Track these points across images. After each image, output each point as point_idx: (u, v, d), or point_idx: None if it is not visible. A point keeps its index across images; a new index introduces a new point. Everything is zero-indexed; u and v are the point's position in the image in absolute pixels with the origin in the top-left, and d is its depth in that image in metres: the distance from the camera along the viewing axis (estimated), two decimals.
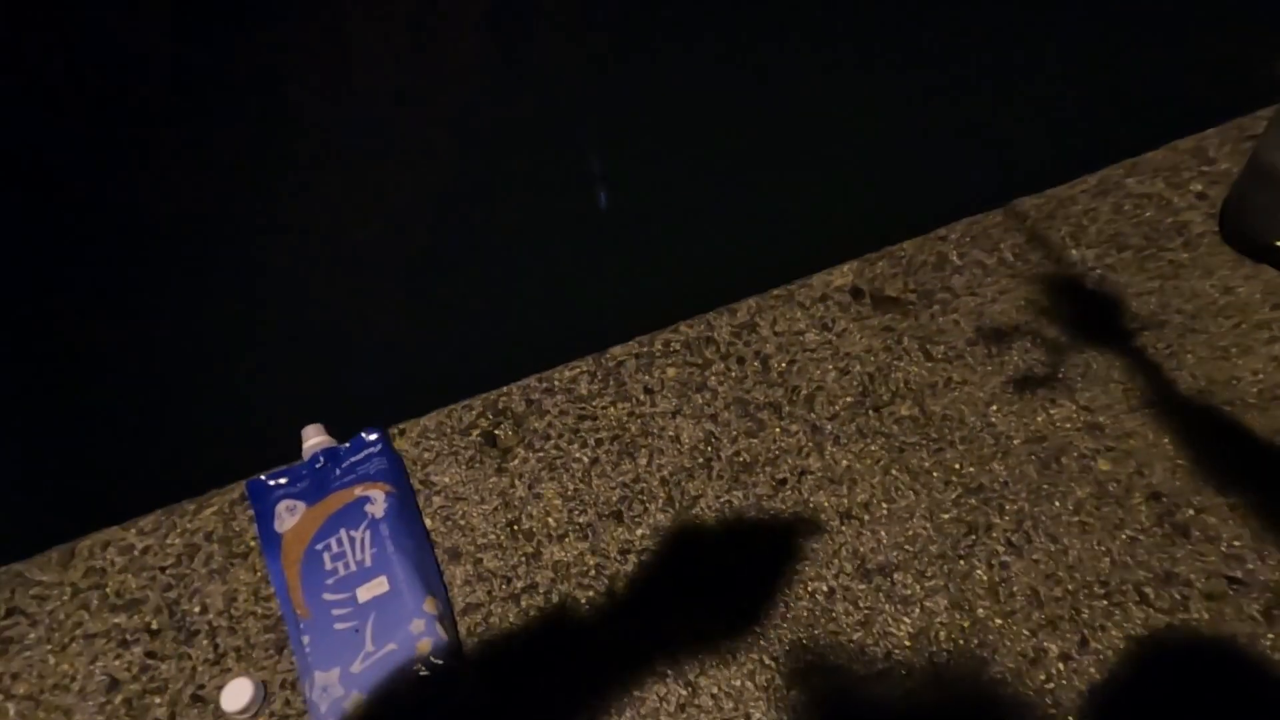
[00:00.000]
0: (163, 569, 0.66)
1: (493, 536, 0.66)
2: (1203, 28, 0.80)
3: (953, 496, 0.64)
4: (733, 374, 0.75)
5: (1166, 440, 0.65)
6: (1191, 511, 0.61)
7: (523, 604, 0.62)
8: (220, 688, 0.57)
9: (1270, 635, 0.55)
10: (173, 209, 0.55)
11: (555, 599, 0.62)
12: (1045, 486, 0.64)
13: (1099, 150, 0.90)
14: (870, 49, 0.90)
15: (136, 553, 0.68)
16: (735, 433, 0.70)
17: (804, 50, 0.94)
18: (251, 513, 0.68)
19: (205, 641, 0.61)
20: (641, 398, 0.74)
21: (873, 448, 0.68)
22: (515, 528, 0.66)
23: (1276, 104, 0.75)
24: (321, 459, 0.68)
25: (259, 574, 0.65)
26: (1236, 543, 0.59)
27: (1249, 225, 0.76)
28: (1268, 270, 0.75)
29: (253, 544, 0.67)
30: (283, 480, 0.68)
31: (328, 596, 0.59)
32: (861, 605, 0.59)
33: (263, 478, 0.69)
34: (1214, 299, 0.74)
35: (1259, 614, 0.56)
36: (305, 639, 0.58)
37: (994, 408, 0.70)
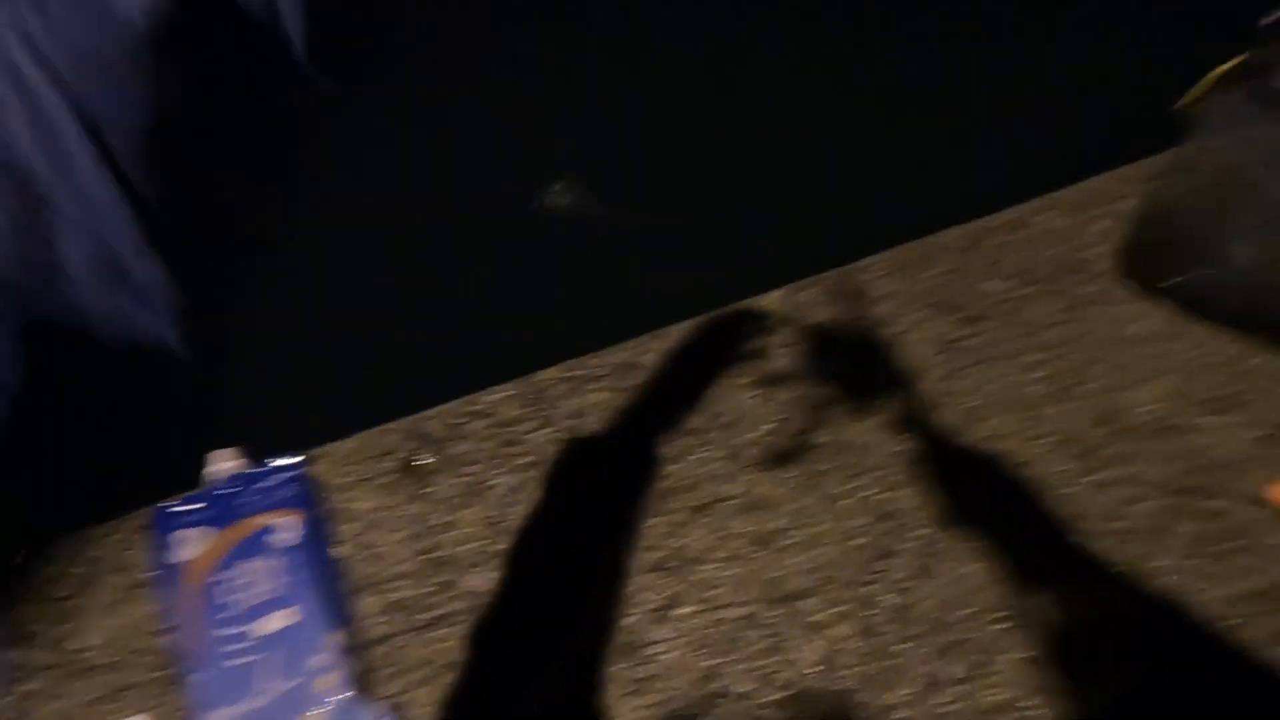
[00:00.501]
0: (59, 599, 0.64)
1: (407, 565, 0.65)
2: (1113, 71, 0.85)
3: (862, 523, 0.66)
4: (659, 399, 0.76)
5: (1064, 469, 0.68)
6: (1083, 538, 0.64)
7: (435, 634, 0.61)
8: None
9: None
10: None
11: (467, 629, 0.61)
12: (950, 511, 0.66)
13: (1016, 186, 0.94)
14: (800, 78, 0.93)
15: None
16: (658, 458, 0.71)
17: (729, 78, 0.96)
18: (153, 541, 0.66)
19: (100, 678, 0.59)
20: (568, 421, 0.74)
21: (790, 474, 0.69)
22: (430, 556, 0.65)
23: (1171, 150, 0.80)
24: (232, 485, 0.66)
25: (155, 607, 0.63)
26: (1123, 567, 0.61)
27: (1146, 264, 0.80)
28: (1163, 305, 0.79)
29: (153, 574, 0.64)
30: (187, 507, 0.66)
31: (223, 631, 0.58)
32: (769, 632, 0.60)
33: (170, 504, 0.67)
34: (1114, 333, 0.78)
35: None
36: (197, 676, 0.56)
37: (905, 435, 0.72)
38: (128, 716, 0.56)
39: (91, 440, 0.66)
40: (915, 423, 0.70)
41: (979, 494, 0.65)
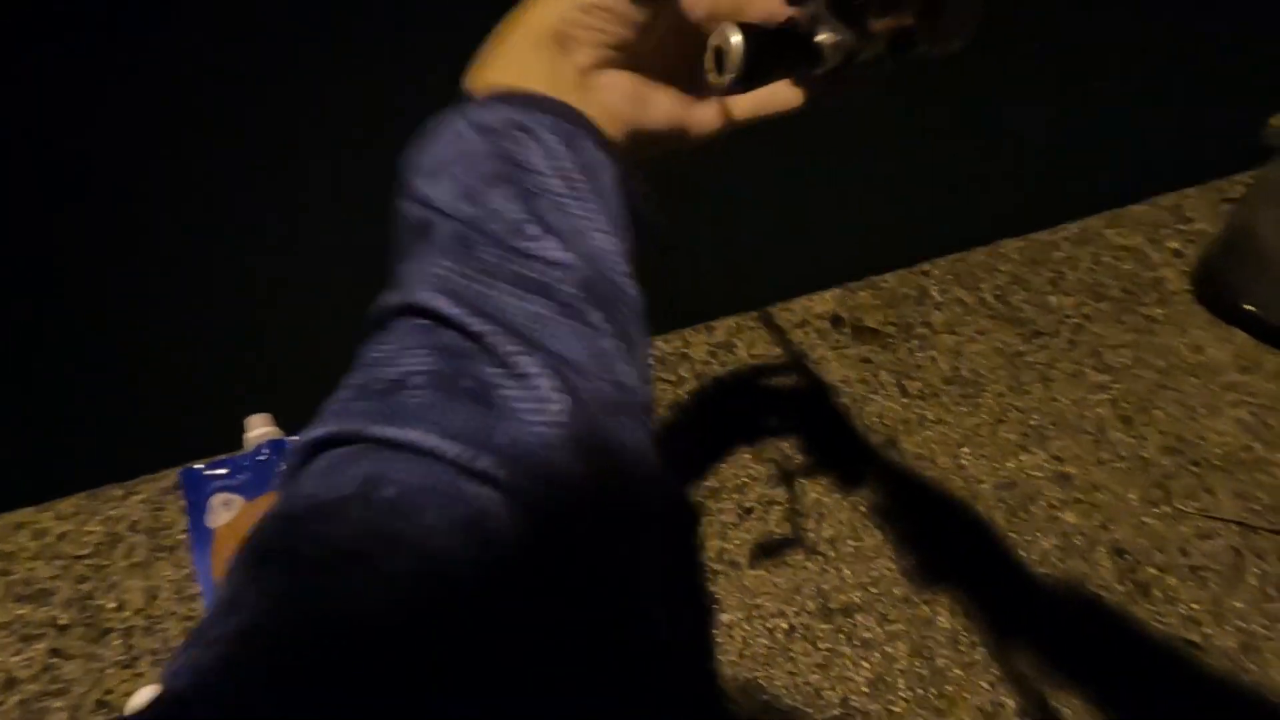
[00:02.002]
0: (79, 558, 0.61)
1: None
2: (1190, 91, 0.81)
3: (920, 538, 0.63)
4: (706, 393, 0.73)
5: (1133, 496, 0.65)
6: (1154, 570, 0.61)
7: None
8: (129, 694, 0.53)
9: (1223, 699, 0.55)
10: (114, 182, 0.51)
11: None
12: (1011, 535, 0.63)
13: (1082, 199, 0.90)
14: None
15: (51, 538, 0.63)
16: (704, 455, 0.68)
17: None
18: (183, 504, 0.63)
19: (118, 642, 0.57)
20: None
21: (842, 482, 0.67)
22: None
23: (1255, 171, 0.76)
24: (266, 451, 0.64)
25: (185, 571, 0.60)
26: (1195, 605, 0.59)
27: (1223, 288, 0.77)
28: (1238, 333, 0.76)
29: (181, 538, 0.62)
30: (221, 471, 0.64)
31: None
32: (821, 646, 0.57)
33: (199, 467, 0.65)
34: (1185, 358, 0.74)
35: (1215, 679, 0.56)
36: None
37: (965, 450, 0.69)
38: (145, 686, 0.53)
39: (115, 395, 0.64)
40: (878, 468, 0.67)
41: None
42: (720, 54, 0.28)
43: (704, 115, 0.35)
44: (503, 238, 0.25)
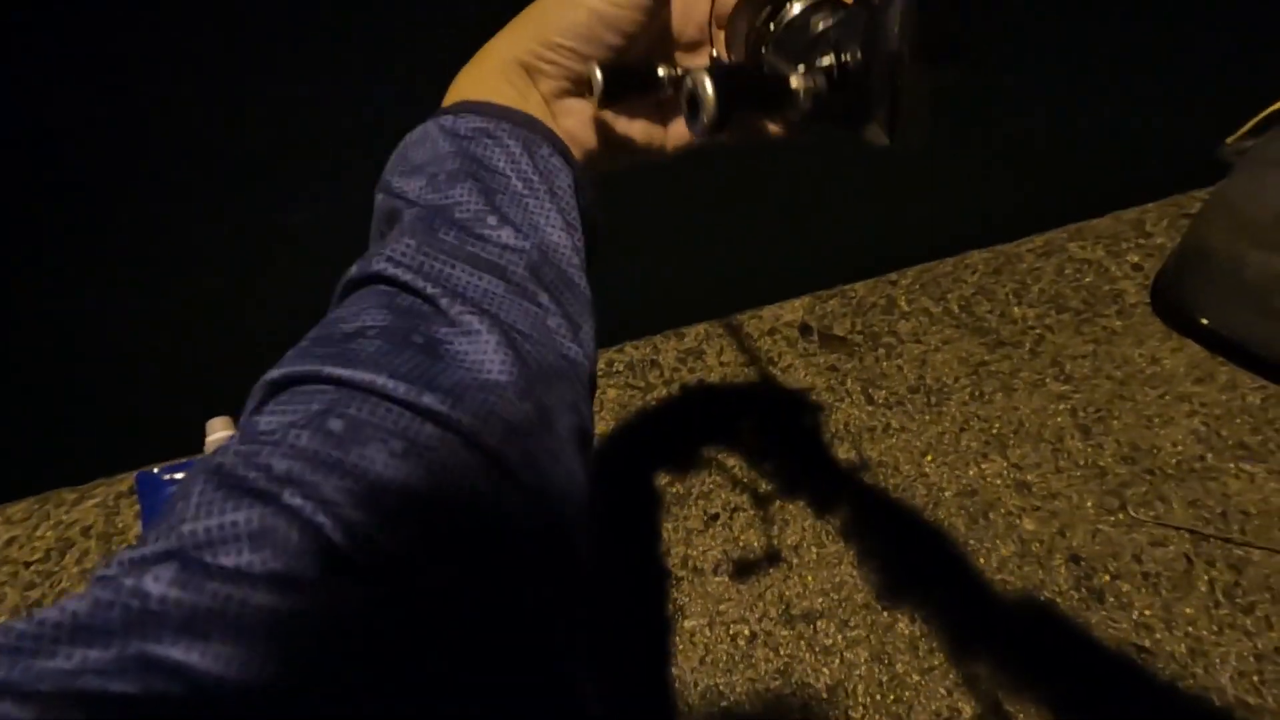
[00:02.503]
0: (28, 564, 0.60)
1: None
2: (1152, 110, 0.83)
3: (882, 545, 0.64)
4: (674, 400, 0.74)
5: (1089, 503, 0.66)
6: (1108, 577, 0.62)
7: None
8: None
9: (1171, 702, 0.56)
10: (72, 187, 0.50)
11: None
12: (971, 542, 0.64)
13: (1047, 212, 0.92)
14: None
15: None
16: (672, 461, 0.68)
17: None
18: (139, 508, 0.62)
19: None
20: None
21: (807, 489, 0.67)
22: None
23: (1213, 187, 0.78)
24: None
25: None
26: (1147, 611, 0.60)
27: (1178, 301, 0.79)
28: (1193, 345, 0.78)
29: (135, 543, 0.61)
30: (178, 475, 0.63)
31: None
32: (782, 652, 0.58)
33: (155, 470, 0.63)
34: (1143, 368, 0.76)
35: (1164, 683, 0.57)
36: None
37: (928, 457, 0.70)
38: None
39: (71, 395, 0.62)
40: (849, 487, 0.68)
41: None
42: (694, 101, 0.29)
43: (673, 132, 0.36)
44: (463, 224, 0.28)
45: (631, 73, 0.32)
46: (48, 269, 0.54)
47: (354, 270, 0.27)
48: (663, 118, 0.36)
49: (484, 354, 0.24)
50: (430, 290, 0.25)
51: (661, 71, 0.33)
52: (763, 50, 0.32)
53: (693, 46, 0.36)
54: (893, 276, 0.86)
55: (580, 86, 0.33)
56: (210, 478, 0.20)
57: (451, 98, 0.33)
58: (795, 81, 0.29)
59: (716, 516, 0.65)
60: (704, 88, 0.28)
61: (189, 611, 0.17)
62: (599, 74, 0.31)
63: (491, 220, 0.28)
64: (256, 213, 0.58)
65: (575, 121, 0.34)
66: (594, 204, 0.33)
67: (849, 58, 0.29)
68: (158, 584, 0.17)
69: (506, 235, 0.28)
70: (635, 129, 0.35)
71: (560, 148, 0.32)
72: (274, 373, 0.24)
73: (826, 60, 0.29)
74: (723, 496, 0.66)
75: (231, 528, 0.19)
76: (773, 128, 0.35)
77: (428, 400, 0.22)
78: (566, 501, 0.25)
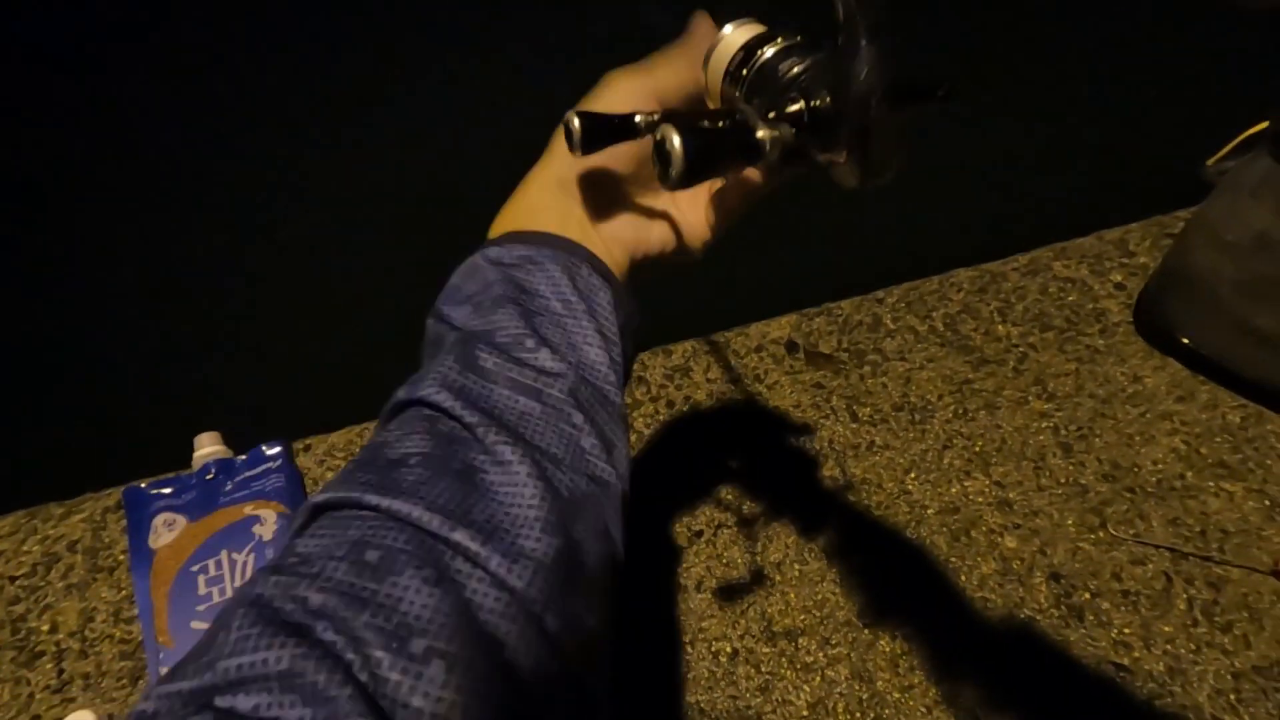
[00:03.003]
0: (13, 579, 0.60)
1: None
2: (1136, 130, 0.85)
3: (864, 563, 0.64)
4: (661, 416, 0.74)
5: (1070, 521, 0.67)
6: (1087, 595, 0.62)
7: None
8: None
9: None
10: (61, 198, 0.51)
11: None
12: (953, 560, 0.64)
13: (1032, 231, 0.93)
14: None
15: None
16: (657, 477, 0.69)
17: None
18: (125, 523, 0.62)
19: (49, 665, 0.56)
20: None
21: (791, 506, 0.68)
22: None
23: (1195, 208, 0.79)
24: (213, 470, 0.63)
25: (124, 592, 0.60)
26: (1126, 630, 0.60)
27: (1160, 320, 0.80)
28: (1174, 364, 0.78)
29: (122, 558, 0.61)
30: (165, 490, 0.63)
31: (196, 625, 0.55)
32: (763, 670, 0.58)
33: (143, 485, 0.64)
34: (1124, 387, 0.77)
35: (1142, 700, 0.57)
36: (164, 671, 0.53)
37: (912, 475, 0.70)
38: (75, 710, 0.52)
39: (59, 409, 0.63)
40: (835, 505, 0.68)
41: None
42: (664, 154, 0.30)
43: (695, 229, 0.40)
44: (504, 347, 0.29)
45: (608, 118, 0.33)
46: (36, 281, 0.55)
47: (402, 393, 0.29)
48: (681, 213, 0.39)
49: (515, 485, 0.25)
50: (469, 418, 0.27)
51: (638, 118, 0.33)
52: (736, 95, 0.33)
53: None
54: (879, 294, 0.86)
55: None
56: (249, 610, 0.21)
57: (497, 229, 0.35)
58: (762, 132, 0.30)
59: (700, 533, 0.66)
60: (671, 143, 0.29)
61: None
62: (576, 121, 0.32)
63: (530, 343, 0.29)
64: (248, 227, 0.58)
65: (614, 228, 0.36)
66: (633, 315, 0.35)
67: (819, 102, 0.30)
68: None
69: (544, 358, 0.29)
70: (669, 231, 0.38)
71: (599, 268, 0.34)
72: (319, 497, 0.25)
73: (796, 106, 0.30)
74: (706, 513, 0.67)
75: (262, 665, 0.19)
76: (749, 173, 0.37)
77: (459, 536, 0.23)
78: (587, 649, 0.25)
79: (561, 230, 0.34)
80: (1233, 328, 0.74)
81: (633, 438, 0.72)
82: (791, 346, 0.81)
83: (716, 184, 0.39)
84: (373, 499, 0.24)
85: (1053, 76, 0.77)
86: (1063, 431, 0.73)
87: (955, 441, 0.73)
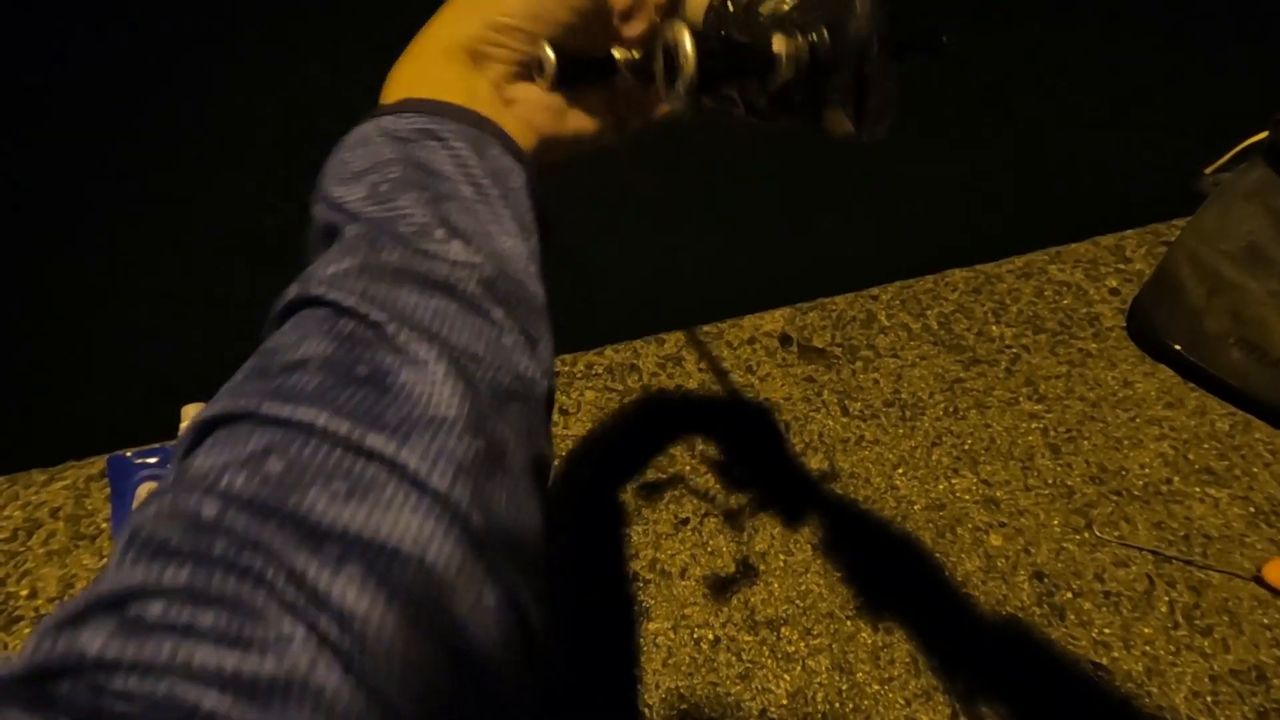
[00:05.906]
0: None
1: None
2: (1134, 138, 0.85)
3: (849, 556, 0.64)
4: (652, 404, 0.74)
5: (1055, 522, 0.67)
6: (1070, 594, 0.62)
7: None
8: None
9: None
10: (49, 167, 0.50)
11: None
12: (938, 555, 0.64)
13: (1029, 234, 0.94)
14: None
15: None
16: (645, 464, 0.69)
17: None
18: (108, 491, 0.62)
19: (28, 631, 0.55)
20: (555, 418, 0.72)
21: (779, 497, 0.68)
22: None
23: (1189, 218, 0.80)
24: None
25: (105, 560, 0.59)
26: (1107, 630, 0.60)
27: (1151, 326, 0.80)
28: (1164, 370, 0.79)
29: (104, 526, 0.61)
30: (150, 460, 0.63)
31: None
32: (744, 658, 0.58)
33: (127, 454, 0.63)
34: (1114, 391, 0.77)
35: (1119, 700, 0.57)
36: None
37: (900, 470, 0.70)
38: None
39: (44, 374, 0.62)
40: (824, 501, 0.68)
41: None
42: (671, 61, 0.27)
43: (627, 114, 0.35)
44: (409, 239, 0.26)
45: (585, 53, 0.30)
46: (20, 252, 0.54)
47: (292, 292, 0.25)
48: (614, 103, 0.34)
49: (432, 386, 0.23)
50: (375, 316, 0.24)
51: (618, 54, 0.30)
52: (721, 32, 0.30)
53: (638, 42, 0.34)
54: (874, 291, 0.86)
55: (530, 70, 0.31)
56: (128, 548, 0.19)
57: (391, 92, 0.30)
58: (779, 45, 0.27)
59: (686, 521, 0.65)
60: (683, 45, 0.26)
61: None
62: (551, 54, 0.29)
63: (439, 233, 0.26)
64: (233, 197, 0.58)
65: (526, 108, 0.32)
66: (547, 197, 0.31)
67: (816, 37, 0.27)
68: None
69: (456, 249, 0.26)
70: (589, 118, 0.33)
71: (511, 146, 0.30)
72: (207, 411, 0.22)
73: (798, 40, 0.28)
74: (693, 502, 0.67)
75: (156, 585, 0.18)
76: (738, 110, 0.34)
77: (372, 440, 0.21)
78: (517, 547, 0.23)
79: (469, 102, 0.29)
80: (1222, 336, 0.74)
81: (622, 424, 0.72)
82: (785, 340, 0.81)
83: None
84: (270, 407, 0.21)
85: (1054, 86, 0.77)
86: (1052, 433, 0.73)
87: (944, 439, 0.73)
